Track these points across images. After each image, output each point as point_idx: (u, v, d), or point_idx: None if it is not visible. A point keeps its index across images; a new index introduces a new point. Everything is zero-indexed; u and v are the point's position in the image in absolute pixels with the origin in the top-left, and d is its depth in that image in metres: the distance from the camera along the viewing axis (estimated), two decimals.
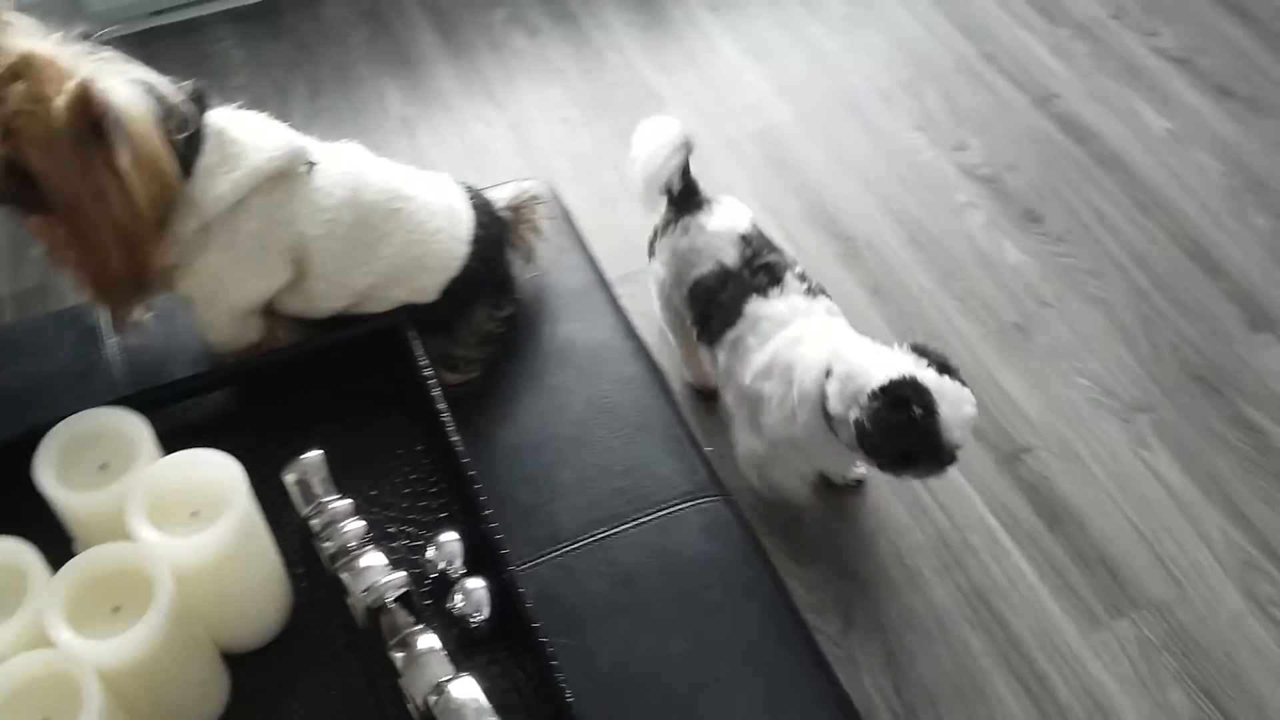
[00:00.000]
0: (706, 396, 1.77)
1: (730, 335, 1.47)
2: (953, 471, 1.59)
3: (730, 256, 1.49)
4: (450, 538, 0.98)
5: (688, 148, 1.53)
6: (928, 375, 1.29)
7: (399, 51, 2.38)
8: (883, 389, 1.27)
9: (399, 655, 0.88)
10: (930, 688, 1.52)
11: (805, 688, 0.99)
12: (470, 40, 2.40)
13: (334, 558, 0.94)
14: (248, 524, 0.88)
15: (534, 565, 1.02)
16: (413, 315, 1.11)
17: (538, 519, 1.06)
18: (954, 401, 1.29)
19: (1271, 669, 1.56)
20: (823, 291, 1.49)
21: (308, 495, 0.98)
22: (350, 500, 0.97)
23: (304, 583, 0.99)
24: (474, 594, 0.95)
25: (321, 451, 0.98)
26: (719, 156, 2.17)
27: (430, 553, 0.98)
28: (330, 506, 0.96)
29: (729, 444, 1.59)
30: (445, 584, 0.96)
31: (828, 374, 1.35)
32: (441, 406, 1.04)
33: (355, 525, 0.95)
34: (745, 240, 1.51)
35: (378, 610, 0.90)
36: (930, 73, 2.35)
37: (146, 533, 0.83)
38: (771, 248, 1.52)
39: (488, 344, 1.18)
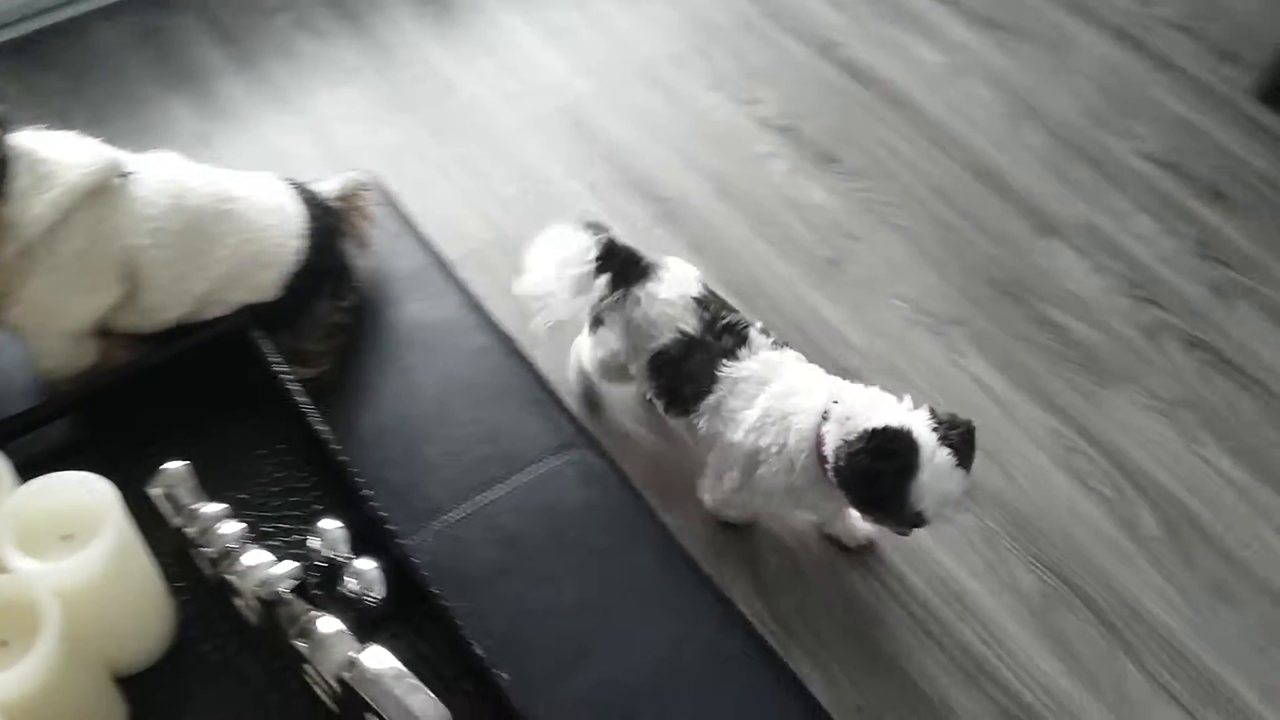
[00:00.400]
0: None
1: (709, 401, 1.45)
2: None
3: (690, 324, 1.46)
4: (332, 525, 0.98)
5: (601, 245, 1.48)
6: (926, 437, 1.28)
7: (182, 68, 2.31)
8: (874, 432, 1.27)
9: (302, 644, 0.88)
10: (800, 604, 1.59)
11: (699, 614, 1.04)
12: (255, 49, 2.35)
13: (216, 562, 0.93)
14: (125, 540, 0.87)
15: (418, 540, 1.03)
16: (256, 314, 1.11)
17: (413, 497, 1.07)
18: (938, 472, 1.27)
19: (1102, 538, 1.70)
20: (785, 344, 1.49)
21: (177, 506, 0.96)
22: (223, 504, 0.96)
23: (185, 596, 0.98)
24: (366, 574, 0.95)
25: (186, 461, 0.97)
26: (525, 135, 2.20)
27: (314, 542, 0.98)
28: (203, 512, 0.95)
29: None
30: (334, 571, 0.97)
31: (825, 417, 1.35)
32: (302, 399, 1.04)
33: (233, 526, 0.94)
34: (701, 304, 1.47)
35: (272, 604, 0.89)
36: (718, 35, 2.43)
37: (21, 562, 0.81)
38: (727, 306, 1.49)
39: (335, 335, 1.18)
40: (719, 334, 1.45)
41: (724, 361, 1.43)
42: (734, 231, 2.06)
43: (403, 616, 0.95)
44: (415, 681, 0.82)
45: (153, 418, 1.06)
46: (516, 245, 1.96)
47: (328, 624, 0.89)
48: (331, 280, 1.18)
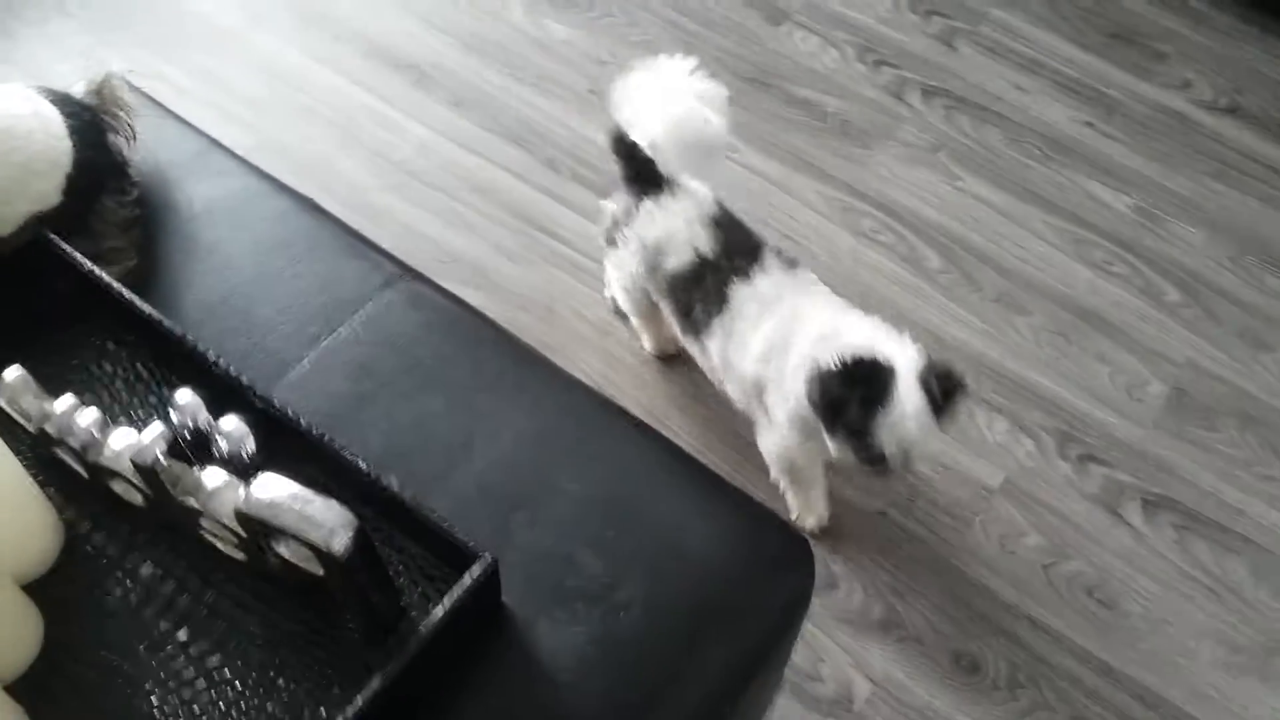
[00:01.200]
0: (668, 359, 1.75)
1: (718, 322, 1.43)
2: (593, 229, 1.75)
3: (705, 244, 1.43)
4: (185, 396, 0.98)
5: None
6: (907, 378, 1.26)
7: None
8: (853, 358, 1.26)
9: (192, 501, 0.90)
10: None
11: (556, 394, 1.10)
12: None
13: (84, 451, 0.93)
14: None
15: (275, 395, 1.05)
16: (45, 224, 1.08)
17: (258, 358, 1.08)
18: (906, 413, 1.25)
19: (895, 280, 1.86)
20: (797, 264, 1.46)
21: (24, 412, 0.95)
22: (72, 397, 0.95)
23: (61, 500, 0.97)
24: (233, 432, 0.97)
25: (19, 366, 0.95)
26: (254, 33, 2.14)
27: (174, 417, 0.98)
28: (56, 408, 0.94)
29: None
30: (201, 438, 0.98)
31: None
32: (120, 289, 1.03)
33: (91, 414, 0.94)
34: (717, 224, 1.44)
35: (153, 471, 0.90)
36: None
37: None
38: (742, 227, 1.47)
39: (129, 229, 1.16)
40: (732, 255, 1.43)
41: (735, 280, 1.41)
42: (491, 81, 2.08)
43: (278, 464, 0.98)
44: (311, 493, 0.85)
45: None
46: (284, 145, 1.96)
47: (212, 475, 0.90)
48: (111, 176, 1.16)
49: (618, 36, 2.16)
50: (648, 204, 1.47)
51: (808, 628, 1.48)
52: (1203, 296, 1.88)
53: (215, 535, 0.93)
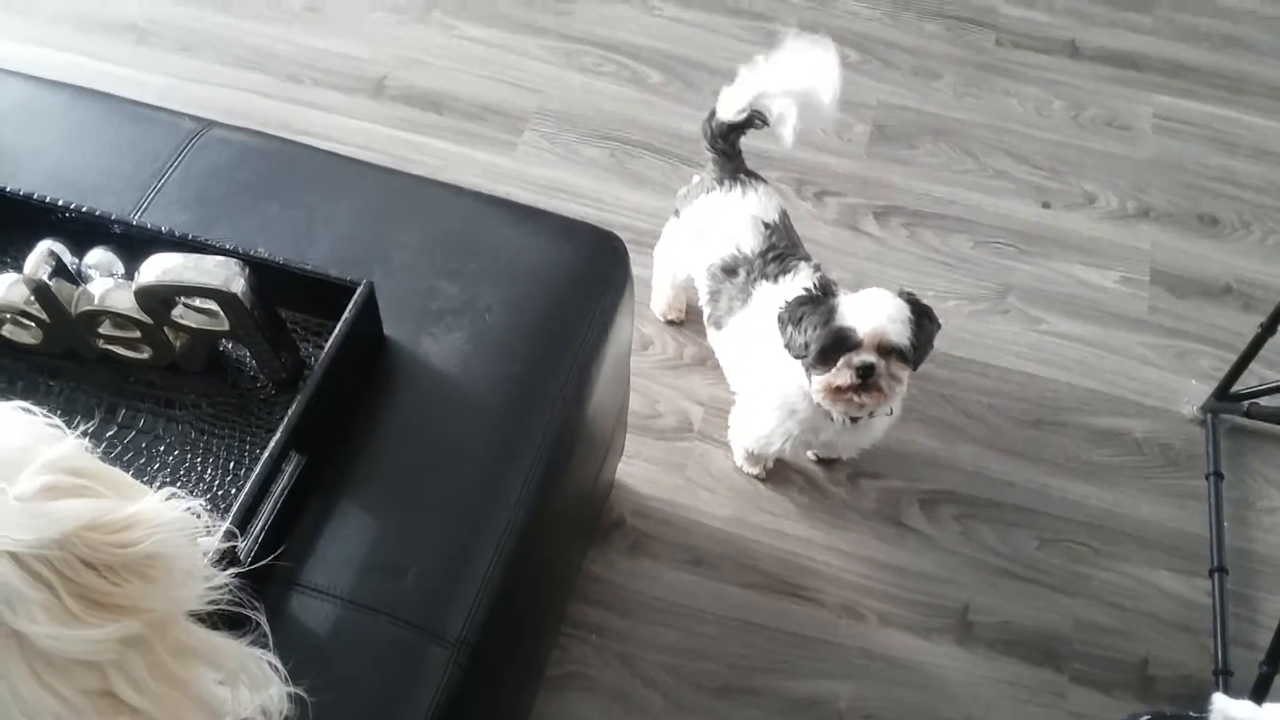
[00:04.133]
0: (669, 323, 1.81)
1: (736, 319, 1.48)
2: (351, 123, 1.91)
3: (749, 243, 1.47)
4: (45, 246, 1.03)
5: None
6: (877, 291, 1.32)
7: None
8: (816, 282, 1.36)
9: (89, 307, 1.00)
10: None
11: (368, 177, 1.25)
12: None
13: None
14: None
15: None
16: None
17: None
18: (869, 304, 1.30)
19: (625, 99, 2.09)
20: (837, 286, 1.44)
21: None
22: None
23: None
24: (101, 261, 1.06)
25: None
26: None
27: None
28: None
29: None
30: (70, 279, 1.06)
31: None
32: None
33: None
34: (768, 228, 1.48)
35: (46, 290, 0.99)
36: None
37: None
38: (792, 240, 1.51)
39: None
40: (769, 260, 1.46)
41: (763, 282, 1.45)
42: (213, 20, 2.17)
43: None
44: (198, 255, 0.97)
45: None
46: None
47: (100, 283, 1.01)
48: None
49: None
50: (715, 194, 1.54)
51: (639, 382, 1.69)
52: (878, 51, 2.20)
53: (116, 341, 1.03)
